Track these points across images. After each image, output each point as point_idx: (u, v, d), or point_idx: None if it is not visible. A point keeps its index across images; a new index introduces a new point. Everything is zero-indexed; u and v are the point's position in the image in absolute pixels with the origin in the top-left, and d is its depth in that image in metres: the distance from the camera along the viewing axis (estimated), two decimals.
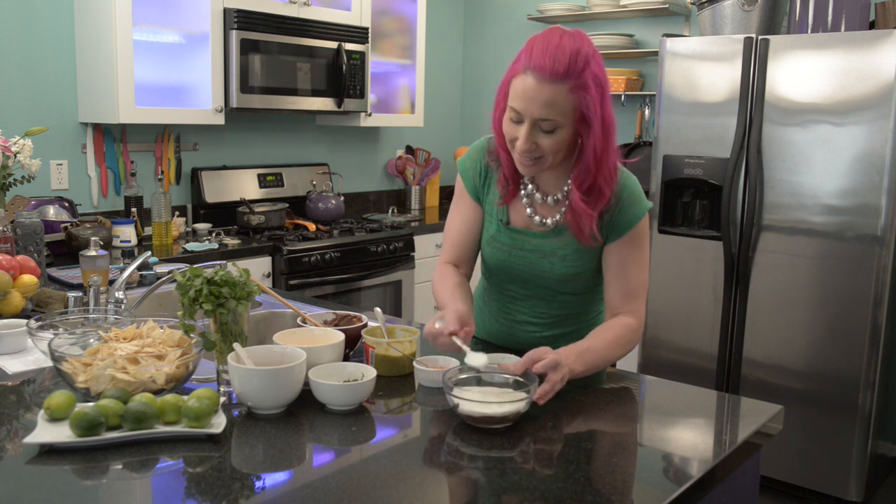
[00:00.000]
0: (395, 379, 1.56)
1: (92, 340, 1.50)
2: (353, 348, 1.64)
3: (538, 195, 1.64)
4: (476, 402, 1.29)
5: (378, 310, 1.72)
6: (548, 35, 1.48)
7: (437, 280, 1.73)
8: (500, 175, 1.65)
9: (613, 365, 1.81)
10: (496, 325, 1.80)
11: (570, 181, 1.59)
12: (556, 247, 1.63)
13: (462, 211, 1.74)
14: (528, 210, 1.64)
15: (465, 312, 1.52)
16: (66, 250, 2.91)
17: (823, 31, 3.10)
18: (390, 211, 4.42)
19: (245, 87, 3.40)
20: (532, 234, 1.65)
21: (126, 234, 3.07)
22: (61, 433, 1.21)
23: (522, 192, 1.65)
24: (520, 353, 1.60)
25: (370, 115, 4.06)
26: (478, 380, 1.41)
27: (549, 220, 1.63)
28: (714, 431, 1.41)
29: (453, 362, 1.53)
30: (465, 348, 1.45)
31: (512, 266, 1.68)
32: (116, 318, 1.70)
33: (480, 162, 1.70)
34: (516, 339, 1.77)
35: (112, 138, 3.39)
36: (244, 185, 3.80)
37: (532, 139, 1.49)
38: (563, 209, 1.62)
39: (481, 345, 1.80)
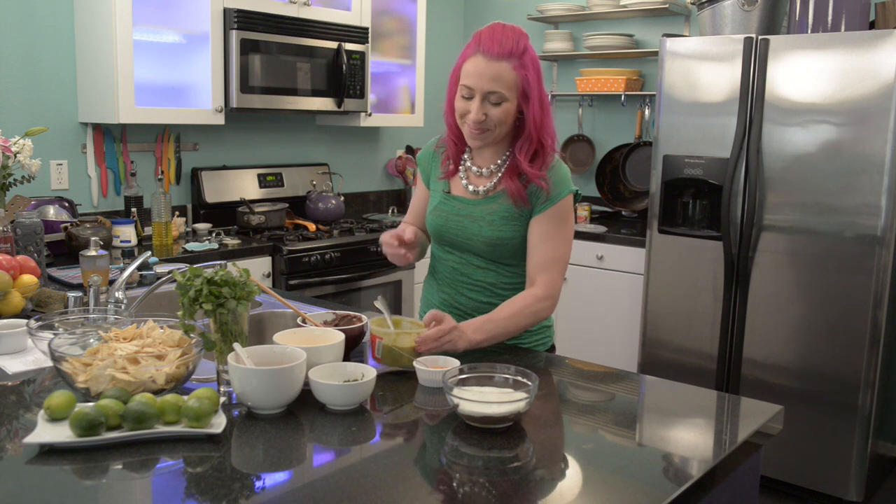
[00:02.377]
0: (395, 379, 1.56)
1: (92, 340, 1.50)
2: (353, 348, 1.64)
3: (474, 168, 1.89)
4: (476, 402, 1.29)
5: (380, 298, 1.73)
6: (492, 27, 1.78)
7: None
8: (444, 157, 1.93)
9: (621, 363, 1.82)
10: (442, 293, 1.97)
11: (504, 157, 1.85)
12: (485, 213, 1.85)
13: (419, 193, 2.07)
14: (465, 181, 1.90)
15: (416, 231, 1.85)
16: (66, 250, 2.91)
17: (823, 31, 3.10)
18: (390, 211, 4.42)
19: (245, 87, 3.40)
20: (466, 201, 1.89)
21: (126, 234, 3.07)
22: (61, 433, 1.21)
23: (461, 167, 1.92)
24: (463, 317, 1.86)
25: (370, 115, 4.06)
26: (478, 380, 1.41)
27: (481, 189, 1.87)
28: (714, 431, 1.41)
29: (453, 362, 1.53)
30: (379, 302, 1.71)
31: (448, 230, 1.90)
32: (116, 318, 1.70)
33: (429, 150, 2.00)
34: (460, 305, 1.92)
35: (112, 138, 3.39)
36: (244, 185, 3.80)
37: (482, 110, 1.74)
38: (495, 180, 1.85)
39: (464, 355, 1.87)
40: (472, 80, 1.73)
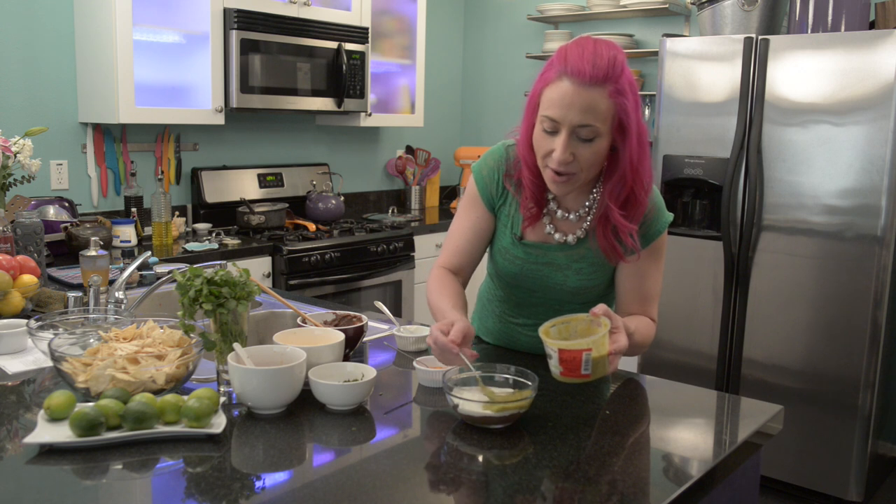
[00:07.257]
0: (395, 379, 1.56)
1: (92, 340, 1.50)
2: (353, 348, 1.64)
3: (560, 212, 1.60)
4: (476, 402, 1.29)
5: (379, 303, 1.72)
6: (581, 42, 1.43)
7: (437, 286, 1.65)
8: (523, 197, 1.59)
9: None
10: (498, 324, 1.79)
11: (591, 197, 1.58)
12: (571, 260, 1.60)
13: (471, 217, 1.67)
14: (549, 227, 1.60)
15: (470, 330, 1.42)
16: (66, 250, 2.91)
17: (823, 31, 3.10)
18: (390, 211, 4.42)
19: (245, 87, 3.40)
20: (547, 247, 1.61)
21: (126, 234, 3.07)
22: (61, 433, 1.21)
23: (544, 210, 1.61)
24: (516, 354, 1.68)
25: (370, 115, 4.06)
26: (477, 379, 1.41)
27: (569, 237, 1.59)
28: (714, 431, 1.41)
29: None
30: (471, 367, 1.38)
31: (524, 278, 1.65)
32: (116, 318, 1.70)
33: (499, 171, 1.64)
34: (516, 341, 1.76)
35: (112, 138, 3.39)
36: (244, 185, 3.80)
37: (570, 149, 1.43)
38: (585, 225, 1.59)
39: (479, 344, 1.81)
40: (557, 111, 1.41)
